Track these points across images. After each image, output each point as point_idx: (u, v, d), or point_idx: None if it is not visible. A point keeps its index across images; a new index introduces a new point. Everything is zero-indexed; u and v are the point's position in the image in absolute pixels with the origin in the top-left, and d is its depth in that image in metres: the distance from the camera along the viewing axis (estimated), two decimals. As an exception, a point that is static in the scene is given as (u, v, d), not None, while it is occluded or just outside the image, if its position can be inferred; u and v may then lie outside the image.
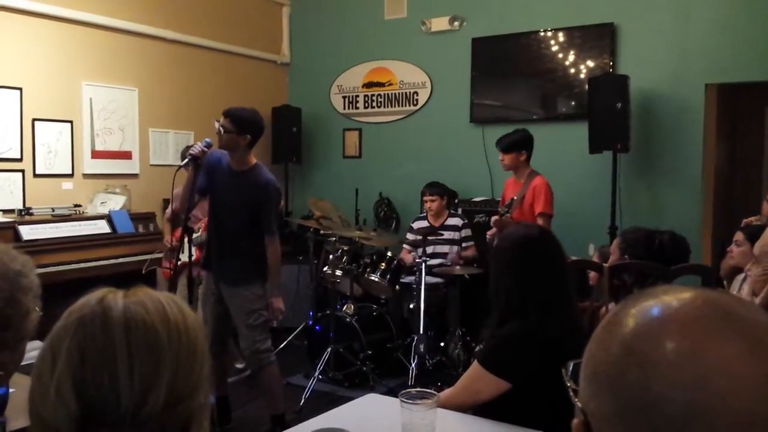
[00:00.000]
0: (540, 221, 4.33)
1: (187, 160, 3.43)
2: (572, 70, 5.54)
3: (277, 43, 7.02)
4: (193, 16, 6.02)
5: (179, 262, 4.28)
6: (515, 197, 4.44)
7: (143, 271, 4.58)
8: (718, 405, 0.57)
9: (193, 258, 3.60)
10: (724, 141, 5.54)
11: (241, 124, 3.51)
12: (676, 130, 5.16)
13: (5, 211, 4.57)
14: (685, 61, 5.10)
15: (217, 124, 3.54)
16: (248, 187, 3.57)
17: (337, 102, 6.84)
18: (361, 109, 6.72)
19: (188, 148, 4.38)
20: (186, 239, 3.52)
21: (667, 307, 0.64)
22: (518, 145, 4.53)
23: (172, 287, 3.80)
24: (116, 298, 0.85)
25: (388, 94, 6.55)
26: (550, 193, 4.44)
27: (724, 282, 3.39)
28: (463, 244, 5.21)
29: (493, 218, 4.44)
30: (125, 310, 0.83)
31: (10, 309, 1.21)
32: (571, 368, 0.72)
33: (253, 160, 3.66)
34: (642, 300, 0.66)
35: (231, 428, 3.93)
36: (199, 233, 4.38)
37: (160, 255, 4.71)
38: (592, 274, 3.42)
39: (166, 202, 5.59)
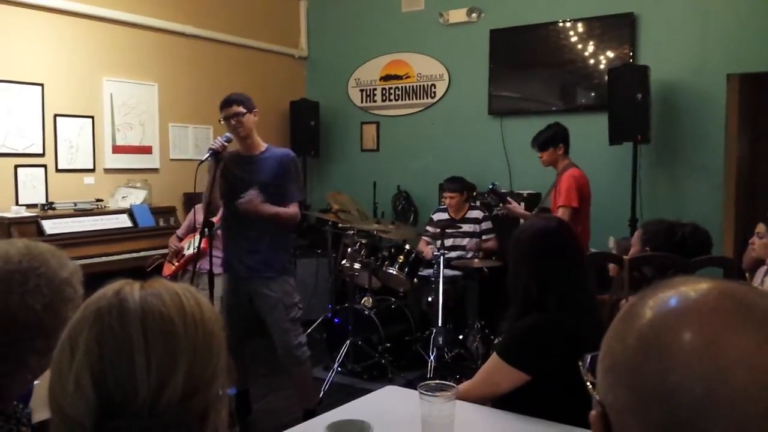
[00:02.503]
0: (560, 213, 4.32)
1: (208, 155, 3.46)
2: (592, 61, 5.49)
3: (295, 37, 7.03)
4: (212, 12, 6.04)
5: (185, 256, 4.41)
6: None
7: (147, 269, 4.59)
8: (736, 396, 0.56)
9: (198, 249, 3.70)
10: (746, 131, 5.45)
11: (247, 103, 3.62)
12: (697, 121, 5.09)
13: (28, 206, 4.63)
14: (706, 50, 5.03)
15: (223, 122, 3.60)
16: (267, 166, 3.60)
17: (355, 95, 6.84)
18: (379, 102, 6.71)
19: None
20: (206, 231, 3.55)
21: (685, 298, 0.63)
22: (553, 141, 4.52)
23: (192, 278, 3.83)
24: (133, 290, 0.86)
25: (405, 86, 6.54)
26: (574, 185, 4.40)
27: (747, 274, 3.35)
28: (484, 237, 5.20)
29: (500, 211, 4.47)
30: (142, 302, 0.83)
31: (46, 316, 1.18)
32: (588, 361, 0.72)
33: (263, 143, 3.72)
34: (659, 291, 0.66)
35: (253, 420, 3.96)
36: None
37: (165, 251, 4.76)
38: (612, 267, 3.40)
39: (186, 197, 5.65)
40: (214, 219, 3.70)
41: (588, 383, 0.71)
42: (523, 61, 5.83)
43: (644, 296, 0.67)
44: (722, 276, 3.32)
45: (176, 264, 4.57)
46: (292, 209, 3.62)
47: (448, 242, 4.94)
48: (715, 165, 5.06)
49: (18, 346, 1.17)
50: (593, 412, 0.68)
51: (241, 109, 3.56)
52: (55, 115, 4.90)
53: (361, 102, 6.80)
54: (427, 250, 5.23)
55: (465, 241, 5.17)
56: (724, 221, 5.07)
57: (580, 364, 0.74)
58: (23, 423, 1.21)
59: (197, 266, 3.96)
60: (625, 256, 3.12)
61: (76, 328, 0.84)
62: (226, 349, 0.88)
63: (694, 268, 2.92)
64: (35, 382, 1.47)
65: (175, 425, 0.80)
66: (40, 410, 1.46)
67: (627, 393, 0.62)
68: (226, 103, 3.60)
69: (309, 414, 3.70)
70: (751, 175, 5.57)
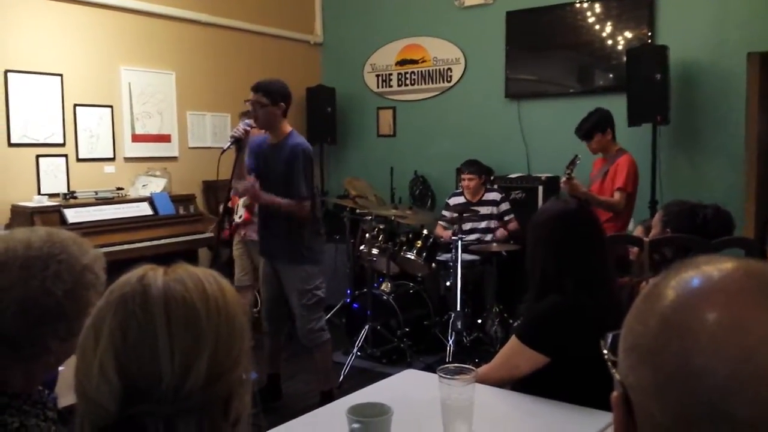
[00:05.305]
0: (617, 196, 4.30)
1: (230, 143, 3.47)
2: (609, 42, 5.42)
3: (310, 24, 7.01)
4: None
5: (233, 224, 4.55)
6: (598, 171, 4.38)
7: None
8: (761, 378, 0.55)
9: (242, 218, 4.10)
10: (767, 111, 5.37)
11: (273, 94, 3.55)
12: (717, 101, 5.02)
13: (51, 195, 4.69)
14: (725, 29, 4.95)
15: (249, 104, 3.56)
16: (281, 155, 3.59)
17: (371, 81, 6.81)
18: (395, 87, 6.68)
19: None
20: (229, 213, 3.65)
21: (708, 278, 0.62)
22: (600, 126, 4.47)
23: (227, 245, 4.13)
24: (156, 275, 0.86)
25: (421, 71, 6.51)
26: (633, 171, 4.38)
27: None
28: (505, 218, 5.17)
29: (562, 181, 4.32)
30: (165, 288, 0.84)
31: (67, 302, 1.19)
32: (609, 340, 0.71)
33: (288, 129, 3.67)
34: (682, 271, 0.64)
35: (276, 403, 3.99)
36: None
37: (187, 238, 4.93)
38: (633, 249, 3.37)
39: (205, 184, 5.72)
40: (230, 203, 3.79)
41: (609, 362, 0.70)
42: (540, 43, 5.78)
43: (666, 276, 0.65)
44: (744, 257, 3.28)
45: (229, 227, 4.68)
46: (296, 203, 3.55)
47: (466, 226, 4.93)
48: (735, 145, 4.99)
49: (39, 331, 1.18)
50: (615, 394, 0.68)
51: (264, 100, 3.52)
52: (75, 105, 4.94)
53: (377, 87, 6.78)
54: (446, 233, 5.22)
55: (483, 224, 5.15)
56: (746, 202, 5.00)
57: (601, 342, 0.73)
58: (49, 407, 1.23)
59: (243, 234, 4.42)
60: (645, 238, 3.09)
61: (100, 314, 0.85)
62: (248, 334, 0.89)
63: (714, 250, 2.88)
64: (60, 368, 1.49)
65: (199, 410, 0.81)
66: (65, 396, 1.49)
67: (649, 374, 0.61)
68: (253, 88, 3.57)
69: (326, 396, 3.74)
70: (773, 155, 5.49)
